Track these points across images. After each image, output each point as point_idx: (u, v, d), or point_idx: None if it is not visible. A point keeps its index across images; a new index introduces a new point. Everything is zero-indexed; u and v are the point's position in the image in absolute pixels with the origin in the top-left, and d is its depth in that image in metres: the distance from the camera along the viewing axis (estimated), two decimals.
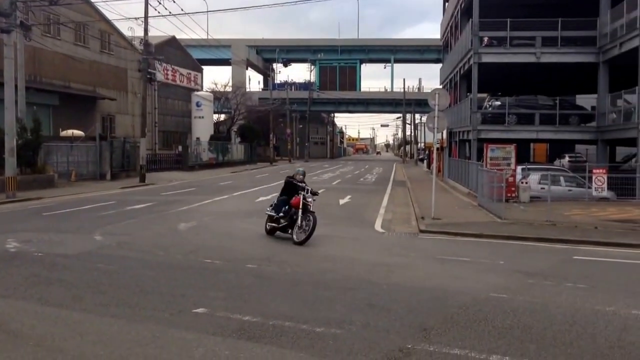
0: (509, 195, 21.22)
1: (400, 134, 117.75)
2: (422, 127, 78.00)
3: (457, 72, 35.46)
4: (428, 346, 6.25)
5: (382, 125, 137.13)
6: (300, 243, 13.02)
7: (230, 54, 75.49)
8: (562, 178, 24.39)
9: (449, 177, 35.60)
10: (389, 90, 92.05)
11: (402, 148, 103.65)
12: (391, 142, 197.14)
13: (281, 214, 13.87)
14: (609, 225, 16.88)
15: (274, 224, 14.15)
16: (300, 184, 14.01)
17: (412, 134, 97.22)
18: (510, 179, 22.42)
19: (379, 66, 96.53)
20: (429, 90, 21.33)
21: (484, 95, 32.89)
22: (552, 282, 9.74)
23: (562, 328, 7.01)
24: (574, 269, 11.18)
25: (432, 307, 7.91)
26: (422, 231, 16.08)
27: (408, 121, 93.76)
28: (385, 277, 10.00)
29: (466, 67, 31.32)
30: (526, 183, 23.25)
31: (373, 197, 26.90)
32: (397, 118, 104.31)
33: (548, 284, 9.55)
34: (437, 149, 35.63)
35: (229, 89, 68.75)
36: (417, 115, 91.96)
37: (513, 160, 23.90)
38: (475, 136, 28.89)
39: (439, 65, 52.92)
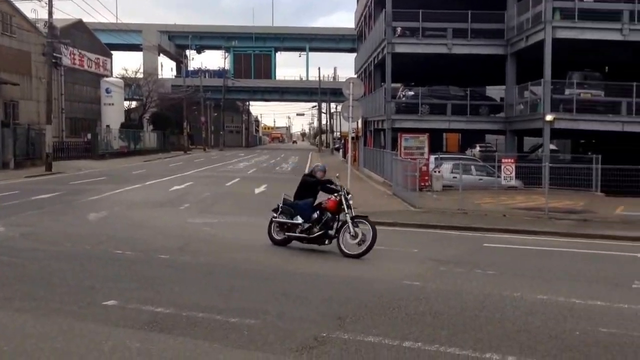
0: (422, 184, 21.69)
1: (316, 123, 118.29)
2: (338, 116, 78.56)
3: (371, 61, 35.89)
4: (343, 334, 6.26)
5: (297, 114, 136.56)
6: (357, 256, 10.60)
7: (141, 40, 73.26)
8: (473, 167, 25.20)
9: (365, 166, 36.06)
10: (304, 79, 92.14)
11: (318, 137, 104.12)
12: (307, 131, 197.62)
13: (307, 224, 11.17)
14: (516, 213, 17.59)
15: (294, 234, 11.39)
16: (331, 185, 11.57)
17: (328, 123, 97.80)
18: (424, 168, 22.92)
19: (294, 54, 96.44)
20: (344, 80, 21.45)
21: (398, 85, 33.46)
22: (463, 269, 10.02)
23: (472, 314, 7.20)
24: (483, 256, 11.56)
25: (347, 296, 7.95)
26: None
27: (324, 110, 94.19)
28: (301, 266, 10.00)
29: (380, 56, 31.74)
30: (439, 172, 23.84)
31: (289, 186, 26.61)
32: (313, 107, 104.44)
33: (459, 271, 9.82)
34: (353, 138, 36.14)
35: (140, 75, 66.77)
36: (333, 105, 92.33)
37: (426, 149, 24.46)
38: (390, 125, 29.37)
39: (354, 55, 53.44)
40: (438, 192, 22.66)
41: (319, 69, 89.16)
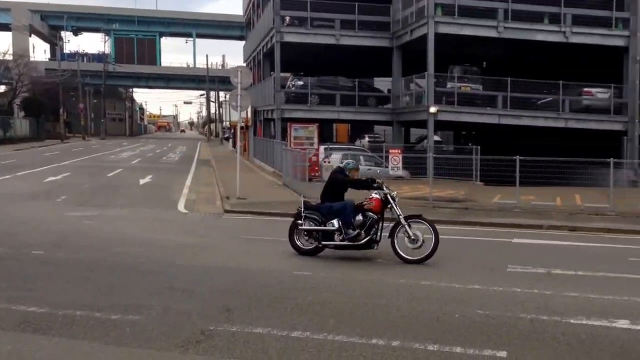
0: (312, 174, 21.85)
1: (204, 112, 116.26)
2: (227, 105, 77.60)
3: (260, 50, 35.65)
4: (231, 327, 6.18)
5: (185, 103, 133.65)
6: (419, 261, 9.59)
7: (10, 19, 68.65)
8: (362, 157, 25.66)
9: (255, 157, 35.88)
10: (191, 66, 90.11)
11: (207, 126, 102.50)
12: (196, 120, 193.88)
13: (351, 229, 9.84)
14: (402, 202, 17.85)
15: (332, 242, 9.98)
16: (373, 183, 10.27)
17: (217, 112, 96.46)
18: (314, 158, 23.08)
19: (181, 40, 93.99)
20: (233, 68, 21.29)
21: (288, 74, 33.44)
22: (351, 258, 10.12)
23: (359, 302, 7.31)
24: None
25: (236, 288, 7.85)
26: (226, 211, 16.03)
27: (212, 99, 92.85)
28: (189, 258, 9.75)
29: (269, 45, 31.58)
30: (328, 162, 24.08)
31: (176, 176, 26.24)
32: (201, 95, 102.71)
33: (347, 260, 9.93)
34: (242, 127, 35.73)
35: (9, 57, 62.33)
36: (222, 93, 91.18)
37: (316, 139, 24.61)
38: (279, 115, 29.32)
39: (243, 43, 52.93)
40: None
41: (207, 56, 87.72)
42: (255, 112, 38.56)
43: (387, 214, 10.02)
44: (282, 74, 30.78)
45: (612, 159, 17.48)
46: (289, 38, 29.15)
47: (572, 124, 26.35)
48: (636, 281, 8.86)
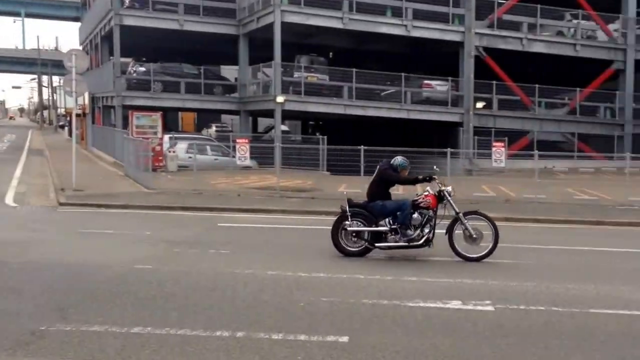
0: (156, 164, 21.21)
1: (36, 98, 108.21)
2: (62, 91, 72.79)
3: (98, 33, 33.86)
4: (64, 326, 5.86)
5: (14, 87, 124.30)
6: (479, 259, 9.33)
7: None
8: (208, 147, 25.28)
9: (94, 146, 34.05)
10: (20, 48, 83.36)
11: (39, 113, 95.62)
12: (26, 106, 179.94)
13: (409, 230, 9.38)
14: (250, 192, 18.07)
15: (386, 243, 9.43)
16: (430, 180, 9.73)
17: (51, 97, 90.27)
18: (158, 148, 22.41)
19: (8, 20, 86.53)
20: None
21: (129, 59, 32.02)
22: (196, 249, 9.95)
23: (203, 294, 7.18)
24: (218, 236, 11.63)
25: (71, 284, 7.43)
26: (61, 204, 15.19)
27: (45, 84, 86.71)
28: (18, 255, 9.05)
29: (107, 28, 30.06)
30: (173, 152, 23.48)
31: (3, 167, 24.26)
32: (32, 79, 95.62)
33: (193, 252, 9.73)
34: (79, 115, 33.77)
35: None
36: (56, 78, 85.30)
37: (160, 128, 23.84)
38: (120, 102, 28.04)
39: (79, 24, 49.98)
40: (173, 172, 22.31)
41: (38, 37, 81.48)
42: (93, 99, 36.51)
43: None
44: (123, 59, 29.40)
45: (449, 149, 18.66)
46: (129, 21, 27.89)
47: (413, 115, 27.72)
48: (467, 265, 9.47)
